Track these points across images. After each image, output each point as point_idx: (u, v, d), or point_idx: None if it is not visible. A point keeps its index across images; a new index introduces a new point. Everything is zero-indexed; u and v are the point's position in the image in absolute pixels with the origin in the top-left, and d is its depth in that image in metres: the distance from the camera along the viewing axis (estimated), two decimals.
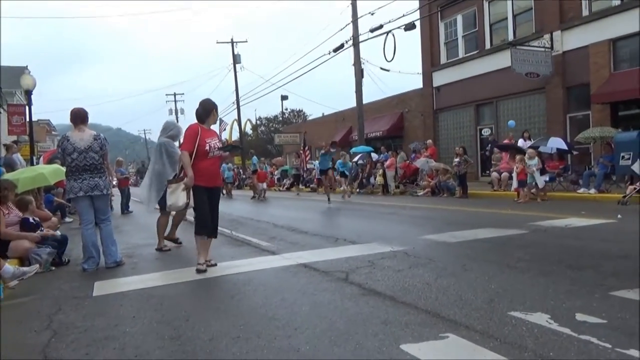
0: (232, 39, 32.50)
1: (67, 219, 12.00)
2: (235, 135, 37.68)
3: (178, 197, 5.15)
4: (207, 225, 4.98)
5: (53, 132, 43.07)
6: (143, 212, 14.74)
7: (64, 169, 6.70)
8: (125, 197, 14.57)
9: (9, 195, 5.95)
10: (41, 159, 16.10)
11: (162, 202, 6.22)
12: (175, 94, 49.11)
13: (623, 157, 11.00)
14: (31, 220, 5.93)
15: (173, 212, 6.48)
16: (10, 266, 4.67)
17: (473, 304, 3.32)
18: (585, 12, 15.09)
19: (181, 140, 6.07)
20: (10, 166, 11.46)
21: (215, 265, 5.10)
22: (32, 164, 15.04)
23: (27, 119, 15.34)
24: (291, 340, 2.85)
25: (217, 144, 5.11)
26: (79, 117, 5.49)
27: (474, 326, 2.88)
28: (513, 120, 15.88)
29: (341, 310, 3.37)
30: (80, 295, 4.33)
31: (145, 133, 73.16)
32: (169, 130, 6.72)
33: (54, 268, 5.63)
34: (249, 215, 11.19)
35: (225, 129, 35.75)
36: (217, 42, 32.69)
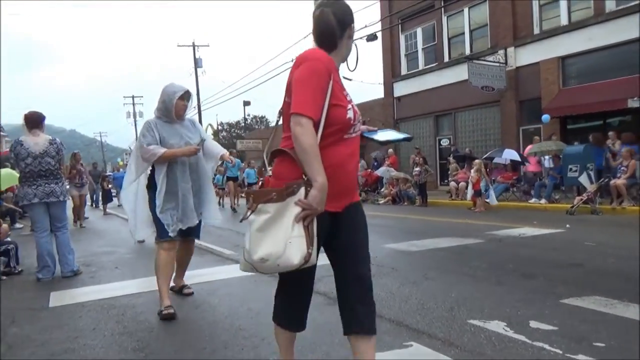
0: (193, 43, 32.06)
1: (17, 225, 11.52)
2: None
3: (288, 239, 1.82)
4: (295, 312, 2.25)
5: (2, 133, 41.14)
6: (99, 217, 14.31)
7: (16, 173, 6.47)
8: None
9: None
10: None
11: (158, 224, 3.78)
12: (133, 97, 47.89)
13: (571, 169, 11.60)
14: None
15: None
16: None
17: (434, 313, 3.44)
18: (536, 30, 15.84)
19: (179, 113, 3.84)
20: None
21: None
22: None
23: None
24: (259, 351, 2.88)
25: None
26: (32, 121, 5.31)
27: (436, 334, 2.99)
28: (547, 115, 14.49)
29: (308, 320, 3.41)
30: (36, 307, 4.18)
31: (101, 135, 70.92)
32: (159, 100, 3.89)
33: (4, 278, 5.41)
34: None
35: None
36: (178, 46, 32.14)
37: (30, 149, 5.17)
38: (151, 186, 3.85)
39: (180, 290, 4.38)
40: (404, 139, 2.66)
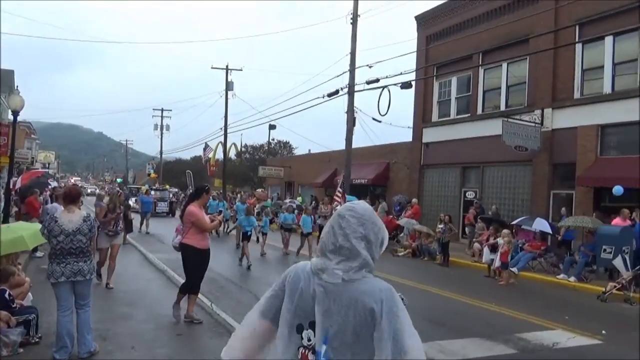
0: (227, 66, 32.47)
1: (38, 254, 11.54)
2: (219, 156, 36.89)
3: None
4: None
5: (32, 136, 42.10)
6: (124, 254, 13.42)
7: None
8: None
9: None
10: (19, 179, 15.62)
11: None
12: (162, 110, 48.70)
13: (605, 250, 11.16)
14: (7, 295, 5.59)
15: None
16: None
17: None
18: (577, 95, 15.53)
19: None
20: None
21: None
22: (8, 185, 14.58)
23: (10, 139, 14.90)
24: None
25: None
26: (70, 197, 5.28)
27: None
28: (621, 187, 12.65)
29: None
30: None
31: (127, 143, 72.09)
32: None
33: (21, 350, 5.30)
34: (231, 276, 10.88)
35: (209, 154, 35.47)
36: (212, 67, 32.60)
37: (63, 226, 5.10)
38: None
39: None
40: None
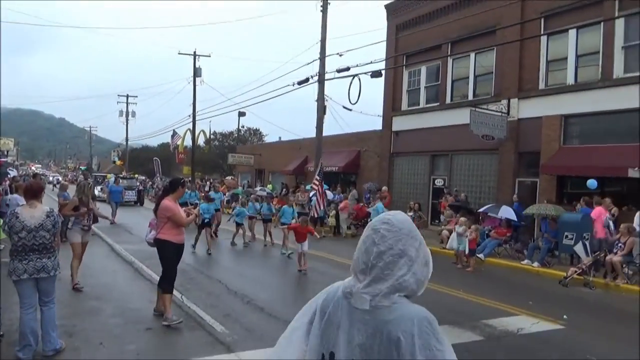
0: (194, 52, 31.80)
1: None
2: (188, 143, 36.22)
3: None
4: None
5: None
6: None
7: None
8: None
9: None
10: None
11: None
12: (128, 96, 47.40)
13: (567, 236, 11.56)
14: None
15: None
16: None
17: None
18: (541, 85, 15.90)
19: None
20: None
21: None
22: None
23: None
24: None
25: None
26: (31, 192, 5.08)
27: None
28: (595, 181, 12.83)
29: None
30: None
31: (90, 129, 69.89)
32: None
33: None
34: (199, 265, 10.77)
35: (177, 142, 34.85)
36: (179, 53, 31.87)
37: (25, 222, 4.91)
38: None
39: None
40: None
